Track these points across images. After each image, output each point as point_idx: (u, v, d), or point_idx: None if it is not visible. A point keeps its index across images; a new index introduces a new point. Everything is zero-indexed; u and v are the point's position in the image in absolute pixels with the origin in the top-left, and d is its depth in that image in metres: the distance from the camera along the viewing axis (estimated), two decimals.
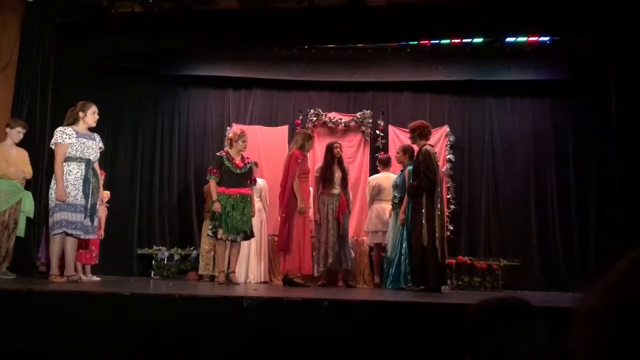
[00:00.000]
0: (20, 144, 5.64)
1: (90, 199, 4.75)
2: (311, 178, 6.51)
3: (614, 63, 6.88)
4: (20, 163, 5.59)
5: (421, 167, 5.56)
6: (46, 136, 6.06)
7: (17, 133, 5.56)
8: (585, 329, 0.77)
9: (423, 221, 5.45)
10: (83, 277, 5.27)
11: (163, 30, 6.61)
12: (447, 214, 7.77)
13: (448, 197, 7.86)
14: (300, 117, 8.26)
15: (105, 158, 7.18)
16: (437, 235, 5.41)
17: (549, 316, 1.45)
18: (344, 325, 3.04)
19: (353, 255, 6.61)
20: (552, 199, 7.80)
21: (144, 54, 7.54)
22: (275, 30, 6.69)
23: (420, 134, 5.77)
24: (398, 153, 6.39)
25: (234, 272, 6.00)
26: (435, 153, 5.74)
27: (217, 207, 5.76)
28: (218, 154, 6.21)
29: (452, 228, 7.75)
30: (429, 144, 5.79)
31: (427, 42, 7.75)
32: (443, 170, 7.87)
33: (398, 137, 8.01)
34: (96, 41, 6.76)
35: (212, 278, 7.00)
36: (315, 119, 8.17)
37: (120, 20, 6.44)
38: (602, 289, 0.78)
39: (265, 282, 7.02)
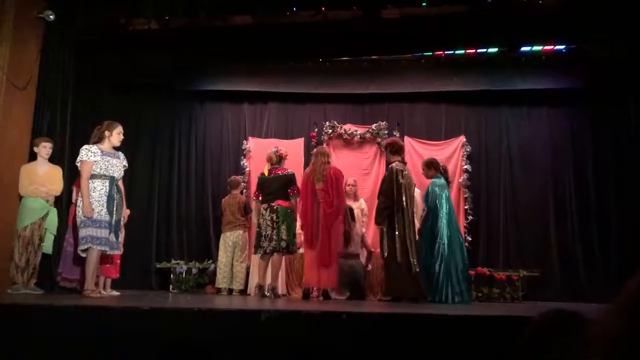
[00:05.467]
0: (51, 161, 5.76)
1: (114, 215, 4.82)
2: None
3: (632, 70, 6.82)
4: (49, 180, 5.68)
5: (384, 185, 5.87)
6: (65, 153, 6.15)
7: (43, 148, 5.68)
8: (604, 354, 0.76)
9: (385, 235, 5.73)
10: (103, 292, 5.31)
11: (179, 45, 6.68)
12: (464, 224, 7.73)
13: (466, 207, 7.81)
14: (316, 130, 8.29)
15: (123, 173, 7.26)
16: (397, 247, 5.58)
17: None
18: (362, 337, 3.02)
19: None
20: (572, 208, 7.70)
21: (161, 70, 7.63)
22: (289, 44, 6.74)
23: (392, 150, 6.08)
24: (423, 169, 6.35)
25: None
26: (403, 170, 5.87)
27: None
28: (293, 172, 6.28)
29: (470, 239, 7.70)
30: (399, 161, 5.98)
31: (441, 52, 7.75)
32: (460, 180, 7.84)
33: (414, 149, 8.00)
34: (114, 58, 6.88)
35: (230, 291, 7.02)
36: (330, 131, 8.20)
37: (137, 37, 6.54)
38: (616, 313, 0.76)
39: (283, 295, 7.01)
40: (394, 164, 5.91)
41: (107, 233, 4.74)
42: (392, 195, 5.71)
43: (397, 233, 5.63)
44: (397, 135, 8.10)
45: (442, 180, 5.98)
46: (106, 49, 6.66)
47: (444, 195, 5.84)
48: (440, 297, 5.50)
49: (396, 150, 6.06)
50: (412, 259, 5.57)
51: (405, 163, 6.12)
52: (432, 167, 6.09)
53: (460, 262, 5.70)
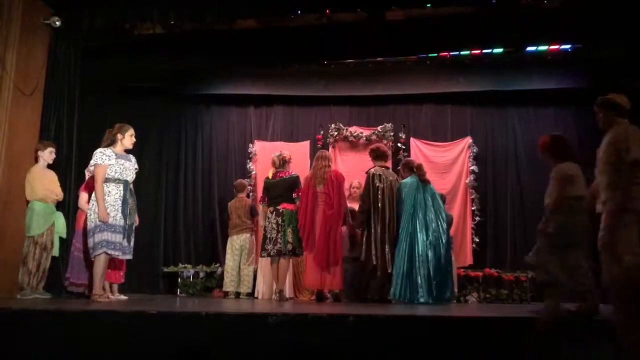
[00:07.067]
0: (48, 166, 5.77)
1: (128, 220, 4.82)
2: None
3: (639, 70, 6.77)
4: (54, 185, 5.72)
5: (362, 190, 5.99)
6: (73, 157, 6.17)
7: (49, 154, 5.71)
8: None
9: (364, 238, 5.79)
10: (111, 296, 5.33)
11: (184, 50, 6.71)
12: (471, 225, 7.71)
13: (473, 208, 7.79)
14: (322, 132, 8.30)
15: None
16: (372, 250, 5.66)
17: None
18: (369, 339, 3.02)
19: None
20: None
21: (167, 74, 7.65)
22: (294, 47, 6.75)
23: (374, 156, 6.17)
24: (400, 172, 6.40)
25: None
26: (381, 174, 5.88)
27: None
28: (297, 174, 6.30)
29: (477, 240, 7.67)
30: (381, 166, 6.03)
31: (446, 53, 7.74)
32: (467, 181, 7.82)
33: (420, 150, 7.99)
34: (120, 63, 6.91)
35: (238, 295, 7.02)
36: (336, 133, 8.20)
37: (142, 42, 6.57)
38: None
39: (290, 298, 7.00)
40: (372, 169, 5.99)
41: (120, 238, 4.73)
42: (368, 200, 5.81)
43: (372, 236, 5.71)
44: (403, 136, 8.10)
45: (412, 179, 5.89)
46: (112, 54, 6.70)
47: (411, 195, 5.77)
48: (405, 297, 5.43)
49: (378, 155, 6.14)
50: (385, 261, 5.61)
51: (388, 167, 6.15)
52: (406, 169, 6.13)
53: (436, 260, 5.56)
